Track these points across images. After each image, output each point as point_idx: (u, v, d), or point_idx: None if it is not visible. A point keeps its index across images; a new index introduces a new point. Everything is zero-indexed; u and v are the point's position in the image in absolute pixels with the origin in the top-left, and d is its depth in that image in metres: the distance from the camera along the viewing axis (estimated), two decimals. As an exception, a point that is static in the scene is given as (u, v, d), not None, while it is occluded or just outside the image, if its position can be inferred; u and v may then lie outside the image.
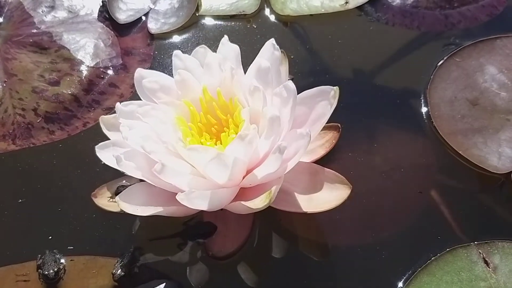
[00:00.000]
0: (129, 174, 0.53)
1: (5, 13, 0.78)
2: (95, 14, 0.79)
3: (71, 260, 0.57)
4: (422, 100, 0.68)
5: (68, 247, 0.58)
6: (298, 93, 0.53)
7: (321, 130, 0.56)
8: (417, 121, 0.66)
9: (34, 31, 0.76)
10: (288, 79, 0.55)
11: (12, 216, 0.62)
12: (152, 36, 0.78)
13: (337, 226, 0.58)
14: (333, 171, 0.55)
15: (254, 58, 0.56)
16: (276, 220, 0.58)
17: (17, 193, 0.63)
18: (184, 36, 0.78)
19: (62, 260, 0.57)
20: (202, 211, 0.52)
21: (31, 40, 0.75)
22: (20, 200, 0.62)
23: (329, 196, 0.54)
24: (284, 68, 0.62)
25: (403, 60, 0.74)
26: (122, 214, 0.52)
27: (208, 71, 0.56)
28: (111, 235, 0.59)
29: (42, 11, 0.79)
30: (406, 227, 0.58)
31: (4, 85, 0.71)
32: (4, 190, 0.64)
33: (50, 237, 0.59)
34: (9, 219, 0.61)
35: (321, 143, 0.60)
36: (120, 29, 0.78)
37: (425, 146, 0.64)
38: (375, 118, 0.67)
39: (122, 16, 0.79)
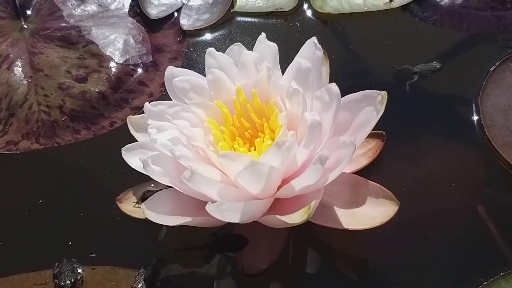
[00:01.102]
0: (156, 180, 0.49)
1: (34, 6, 0.76)
2: (126, 9, 0.77)
3: (92, 269, 0.54)
4: (473, 108, 0.63)
5: (91, 255, 0.55)
6: (340, 97, 0.48)
7: (364, 138, 0.51)
8: (468, 130, 0.62)
9: (63, 25, 0.74)
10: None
11: (32, 218, 0.59)
12: (184, 33, 0.75)
13: (378, 243, 0.54)
14: (378, 185, 0.51)
15: (291, 58, 0.52)
16: (312, 235, 0.54)
17: (38, 194, 0.61)
18: (218, 33, 0.75)
19: (80, 270, 0.54)
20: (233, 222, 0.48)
21: (59, 34, 0.73)
22: (40, 201, 0.60)
23: (373, 212, 0.50)
24: (325, 70, 0.58)
25: (452, 64, 0.69)
26: (148, 221, 0.49)
27: (243, 70, 0.53)
28: (134, 244, 0.56)
29: (71, 5, 0.76)
30: (453, 246, 0.54)
31: (30, 80, 0.69)
32: (25, 190, 0.62)
33: (70, 243, 0.56)
34: (28, 221, 0.59)
35: (363, 152, 0.56)
36: (151, 25, 0.76)
37: (476, 158, 0.60)
38: (421, 126, 0.63)
39: (154, 11, 0.76)
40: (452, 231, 0.55)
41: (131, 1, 0.77)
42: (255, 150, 0.51)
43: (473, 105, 0.63)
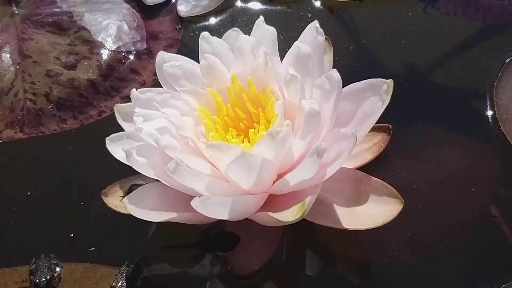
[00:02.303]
0: (140, 172, 0.46)
1: (26, -9, 0.73)
2: (122, -5, 0.73)
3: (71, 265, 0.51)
4: (488, 101, 0.60)
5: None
6: (343, 87, 0.45)
7: (369, 131, 0.48)
8: (481, 124, 0.58)
9: (55, 10, 0.71)
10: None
11: (11, 210, 0.56)
12: (182, 20, 0.72)
13: (381, 244, 0.50)
14: (382, 181, 0.47)
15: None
16: (310, 235, 0.51)
17: (19, 185, 0.58)
18: (217, 20, 0.72)
19: (58, 268, 0.51)
20: (223, 219, 0.45)
21: (50, 20, 0.70)
22: (29, 193, 0.57)
23: (375, 211, 0.46)
24: (329, 58, 0.55)
25: (465, 55, 0.66)
26: (135, 217, 0.45)
27: (239, 56, 0.49)
28: (119, 240, 0.53)
29: (65, -11, 0.73)
30: (462, 249, 0.50)
31: (17, 67, 0.66)
32: (5, 181, 0.59)
33: (51, 237, 0.53)
34: (7, 213, 0.56)
35: (367, 147, 0.52)
36: (147, 11, 0.73)
37: (490, 154, 0.56)
38: (431, 120, 0.59)
39: (150, -4, 0.72)
40: (461, 232, 0.51)
41: (127, -13, 0.74)
42: (249, 142, 0.47)
43: (488, 98, 0.60)
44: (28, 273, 0.50)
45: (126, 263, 0.50)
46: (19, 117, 0.62)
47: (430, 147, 0.57)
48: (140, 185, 0.51)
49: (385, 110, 0.45)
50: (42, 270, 0.50)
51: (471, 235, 0.51)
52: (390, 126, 0.53)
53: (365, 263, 0.50)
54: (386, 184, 0.47)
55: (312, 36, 0.48)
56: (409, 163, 0.55)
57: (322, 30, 0.48)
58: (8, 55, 0.66)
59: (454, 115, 0.59)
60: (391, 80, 0.45)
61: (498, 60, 0.62)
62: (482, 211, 0.52)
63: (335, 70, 0.44)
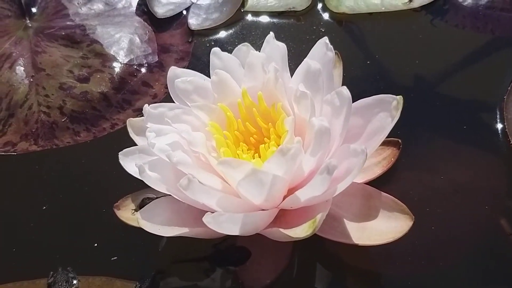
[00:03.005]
0: (152, 187, 0.46)
1: (39, 4, 0.74)
2: (133, 8, 0.74)
3: (88, 279, 0.51)
4: (497, 115, 0.59)
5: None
6: (353, 101, 0.45)
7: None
8: (491, 138, 0.58)
9: (68, 23, 0.72)
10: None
11: (27, 223, 0.57)
12: (192, 33, 0.72)
13: (391, 258, 0.50)
14: (392, 197, 0.47)
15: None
16: (320, 250, 0.51)
17: (37, 197, 0.58)
18: (227, 33, 0.72)
19: (75, 281, 0.51)
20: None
21: (63, 33, 0.70)
22: (44, 207, 0.57)
23: (385, 226, 0.46)
24: (338, 73, 0.55)
25: (474, 68, 0.66)
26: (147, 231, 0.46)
27: (249, 72, 0.50)
28: (133, 254, 0.53)
29: (78, 3, 0.74)
30: (473, 263, 0.50)
31: (31, 80, 0.67)
32: (21, 194, 0.59)
33: (67, 251, 0.54)
34: (23, 226, 0.56)
35: (377, 161, 0.52)
36: (158, 24, 0.73)
37: (499, 168, 0.56)
38: (441, 134, 0.59)
39: (161, 10, 0.73)
40: (471, 246, 0.51)
41: (139, 0, 0.74)
42: (259, 157, 0.47)
43: (497, 111, 0.59)
44: (46, 286, 0.51)
45: (141, 277, 0.50)
46: (33, 130, 0.63)
47: (440, 160, 0.56)
48: (152, 198, 0.52)
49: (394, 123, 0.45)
50: (59, 283, 0.50)
51: (481, 249, 0.51)
52: (399, 140, 0.52)
53: (375, 277, 0.50)
54: (396, 199, 0.47)
55: (322, 52, 0.48)
56: (419, 177, 0.55)
57: (331, 46, 0.48)
58: (22, 68, 0.67)
59: (464, 129, 0.59)
60: (400, 96, 0.45)
61: (507, 73, 0.62)
62: (492, 225, 0.52)
63: (345, 87, 0.44)
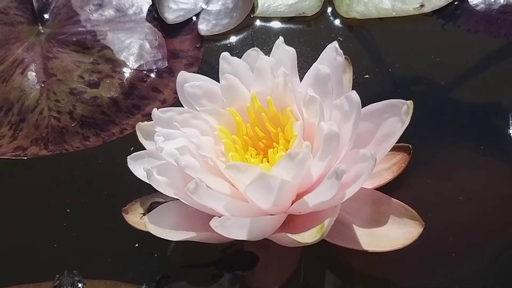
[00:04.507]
0: (160, 191, 0.46)
1: (52, 10, 0.75)
2: (144, 14, 0.74)
3: (93, 283, 0.51)
4: (510, 121, 0.58)
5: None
6: (362, 107, 0.45)
7: (389, 150, 0.47)
8: (503, 144, 0.57)
9: (79, 29, 0.72)
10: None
11: (35, 226, 0.57)
12: (202, 39, 0.72)
13: (400, 264, 0.50)
14: (402, 203, 0.47)
15: (314, 65, 0.49)
16: (328, 255, 0.50)
17: (45, 201, 0.59)
18: (237, 39, 0.72)
19: (80, 285, 0.51)
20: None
21: (74, 39, 0.71)
22: (52, 211, 0.57)
23: (395, 233, 0.45)
24: (348, 77, 0.55)
25: (487, 73, 0.65)
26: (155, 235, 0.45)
27: (258, 76, 0.49)
28: (139, 258, 0.53)
29: (89, 9, 0.74)
30: (485, 271, 0.49)
31: (43, 85, 0.67)
32: (30, 198, 0.60)
33: (74, 254, 0.54)
34: (31, 229, 0.57)
35: (387, 166, 0.51)
36: (168, 30, 0.73)
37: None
38: (452, 139, 0.58)
39: (171, 16, 0.73)
40: (483, 254, 0.50)
41: (149, 6, 0.75)
42: (268, 162, 0.47)
43: (510, 117, 0.59)
44: (52, 289, 0.51)
45: (146, 281, 0.50)
46: (43, 134, 0.63)
47: (451, 166, 0.56)
48: (160, 202, 0.51)
49: (405, 128, 0.45)
50: (65, 286, 0.50)
51: (492, 257, 0.50)
52: (410, 146, 0.52)
53: (384, 284, 0.50)
54: (406, 205, 0.47)
55: (331, 57, 0.48)
56: (429, 183, 0.54)
57: (341, 51, 0.47)
58: (34, 73, 0.68)
59: (475, 135, 0.58)
60: (411, 101, 0.45)
61: (520, 78, 0.61)
62: (504, 232, 0.51)
63: (354, 91, 0.44)
